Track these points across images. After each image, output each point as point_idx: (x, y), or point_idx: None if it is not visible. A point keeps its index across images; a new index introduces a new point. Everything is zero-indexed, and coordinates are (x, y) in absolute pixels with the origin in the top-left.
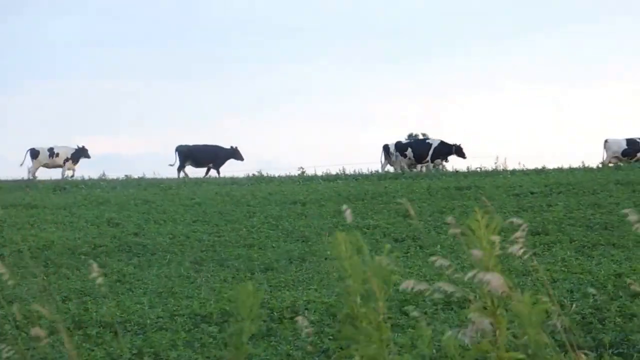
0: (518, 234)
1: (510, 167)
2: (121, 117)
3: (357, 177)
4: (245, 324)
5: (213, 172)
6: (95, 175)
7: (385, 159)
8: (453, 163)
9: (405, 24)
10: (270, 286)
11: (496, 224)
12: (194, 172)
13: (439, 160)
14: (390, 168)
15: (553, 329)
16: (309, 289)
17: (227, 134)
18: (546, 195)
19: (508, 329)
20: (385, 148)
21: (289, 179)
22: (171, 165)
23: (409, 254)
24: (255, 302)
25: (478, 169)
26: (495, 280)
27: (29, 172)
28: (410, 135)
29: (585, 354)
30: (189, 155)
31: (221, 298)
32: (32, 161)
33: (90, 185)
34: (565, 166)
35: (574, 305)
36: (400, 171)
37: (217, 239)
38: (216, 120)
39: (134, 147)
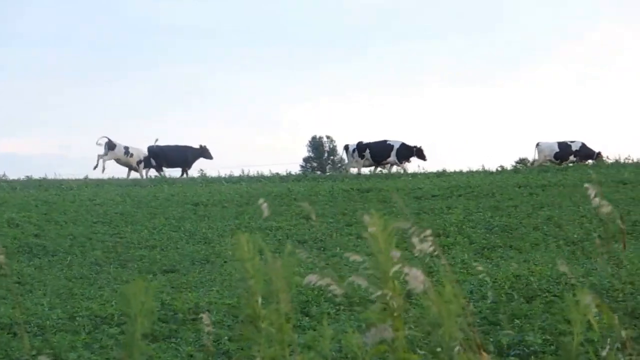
0: (427, 232)
1: (410, 170)
2: (22, 117)
3: (260, 179)
4: (138, 322)
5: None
6: None
7: (348, 159)
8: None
9: (296, 32)
10: (173, 287)
11: (394, 226)
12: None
13: (403, 161)
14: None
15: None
16: (211, 291)
17: (128, 134)
18: (447, 198)
19: (417, 326)
20: (346, 148)
21: (191, 180)
22: (150, 168)
23: (311, 256)
24: (148, 299)
25: (380, 172)
26: (416, 276)
27: (100, 159)
28: (313, 138)
29: (488, 353)
30: (159, 155)
31: (122, 299)
32: (108, 152)
33: None
34: (465, 170)
35: (471, 305)
36: (358, 172)
37: (118, 240)
38: (117, 121)
39: (35, 148)
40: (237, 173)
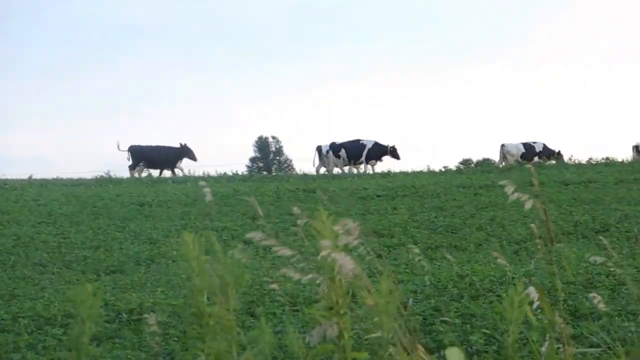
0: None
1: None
2: None
3: (207, 179)
4: (86, 325)
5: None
6: None
7: (319, 160)
8: (302, 166)
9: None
10: (117, 288)
11: (339, 224)
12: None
13: (373, 161)
14: (327, 169)
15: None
16: (156, 291)
17: (72, 134)
18: (392, 198)
19: (362, 321)
20: (319, 149)
21: (137, 180)
22: (130, 167)
23: (257, 256)
24: (96, 302)
25: (326, 172)
26: (346, 263)
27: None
28: (260, 138)
29: (431, 352)
30: (142, 156)
31: (66, 300)
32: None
33: None
34: (410, 170)
35: (410, 302)
36: (332, 172)
37: (62, 240)
38: (67, 120)
39: None
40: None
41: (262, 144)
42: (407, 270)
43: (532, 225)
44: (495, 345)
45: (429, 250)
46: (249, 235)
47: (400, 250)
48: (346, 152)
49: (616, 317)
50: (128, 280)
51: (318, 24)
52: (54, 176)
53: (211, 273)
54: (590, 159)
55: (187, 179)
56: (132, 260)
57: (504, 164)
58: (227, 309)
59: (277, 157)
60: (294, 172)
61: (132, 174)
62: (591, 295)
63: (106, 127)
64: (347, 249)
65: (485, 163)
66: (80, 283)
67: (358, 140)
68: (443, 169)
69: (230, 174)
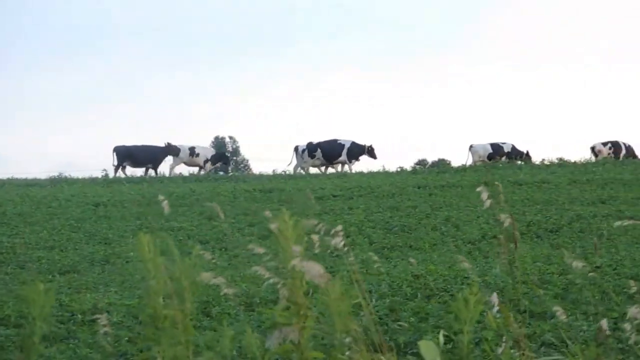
0: (338, 227)
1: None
2: None
3: (162, 180)
4: (37, 325)
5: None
6: None
7: (297, 160)
8: (258, 166)
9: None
10: (71, 288)
11: (302, 225)
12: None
13: (353, 160)
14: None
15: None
16: (111, 292)
17: (26, 134)
18: (348, 198)
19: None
20: (296, 149)
21: (92, 180)
22: (114, 165)
23: (214, 256)
24: (47, 302)
25: (282, 172)
26: (314, 269)
27: (170, 168)
28: (216, 138)
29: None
30: (127, 155)
31: (19, 300)
32: (173, 158)
33: None
34: (366, 171)
35: (371, 302)
36: (307, 172)
37: (16, 241)
38: (12, 119)
39: None
40: (139, 173)
41: (219, 144)
42: (362, 270)
43: (502, 219)
44: (450, 344)
45: (385, 249)
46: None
47: (357, 250)
48: (322, 151)
49: (570, 316)
50: (83, 280)
51: (269, 24)
52: (9, 176)
53: (167, 275)
54: (544, 159)
55: (143, 179)
56: (86, 260)
57: (472, 164)
58: (182, 311)
59: (234, 157)
60: (250, 172)
61: (116, 174)
62: (544, 294)
63: (60, 127)
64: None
65: (441, 163)
66: (34, 283)
67: (335, 140)
68: (399, 169)
69: (187, 174)
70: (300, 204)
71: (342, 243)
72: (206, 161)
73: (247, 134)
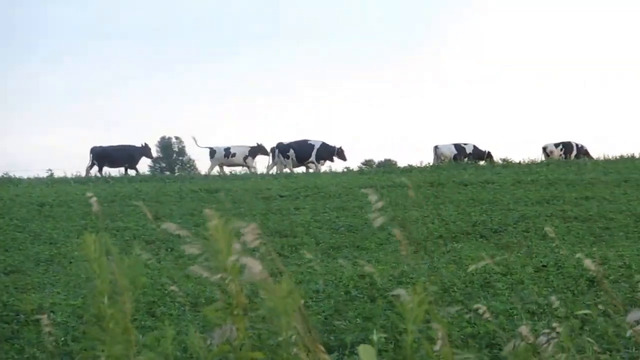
0: (251, 226)
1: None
2: None
3: (109, 180)
4: None
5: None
6: None
7: (272, 160)
8: (205, 167)
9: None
10: (16, 289)
11: (233, 226)
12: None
13: (322, 161)
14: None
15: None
16: (55, 292)
17: None
18: (295, 198)
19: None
20: (273, 150)
21: (38, 180)
22: (89, 166)
23: (159, 256)
24: None
25: (228, 172)
26: (254, 266)
27: (209, 170)
28: (162, 138)
29: (331, 351)
30: (103, 155)
31: None
32: (210, 160)
33: None
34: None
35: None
36: (281, 172)
37: None
38: None
39: None
40: (84, 173)
41: (165, 144)
42: (309, 270)
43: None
44: (393, 344)
45: (331, 250)
46: (164, 226)
47: (303, 250)
48: (295, 152)
49: (515, 315)
50: (28, 280)
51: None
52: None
53: (110, 274)
54: (505, 159)
55: (89, 179)
56: (31, 260)
57: (437, 163)
58: (123, 311)
59: (180, 158)
60: (197, 173)
61: (87, 174)
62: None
63: (2, 127)
64: (249, 251)
65: (387, 164)
66: None
67: (306, 141)
68: (345, 170)
69: (133, 174)
70: (247, 204)
71: (257, 242)
72: (245, 157)
73: (193, 134)
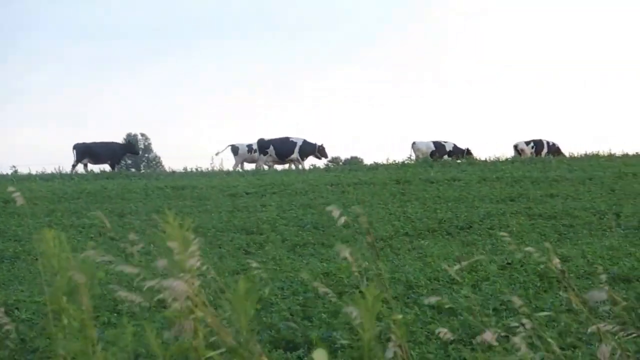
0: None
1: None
2: None
3: (74, 177)
4: None
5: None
6: None
7: (235, 159)
8: (170, 163)
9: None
10: None
11: (189, 224)
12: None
13: (305, 158)
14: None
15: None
16: (20, 289)
17: None
18: (261, 195)
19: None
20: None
21: (2, 177)
22: (73, 165)
23: (125, 252)
24: None
25: (194, 169)
26: (178, 287)
27: (233, 167)
28: (128, 135)
29: (297, 348)
30: (86, 152)
31: None
32: (234, 157)
33: None
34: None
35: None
36: (261, 169)
37: None
38: None
39: None
40: (49, 170)
41: (132, 141)
42: (275, 267)
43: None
44: (359, 341)
45: (297, 247)
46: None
47: (269, 247)
48: (275, 149)
49: (478, 313)
50: None
51: (195, 22)
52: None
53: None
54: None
55: (54, 176)
56: None
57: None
58: (81, 308)
59: (146, 155)
60: (163, 170)
61: (73, 171)
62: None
63: None
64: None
65: (353, 161)
66: None
67: (287, 138)
68: (311, 167)
69: (99, 171)
70: (213, 201)
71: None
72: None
73: (159, 131)
